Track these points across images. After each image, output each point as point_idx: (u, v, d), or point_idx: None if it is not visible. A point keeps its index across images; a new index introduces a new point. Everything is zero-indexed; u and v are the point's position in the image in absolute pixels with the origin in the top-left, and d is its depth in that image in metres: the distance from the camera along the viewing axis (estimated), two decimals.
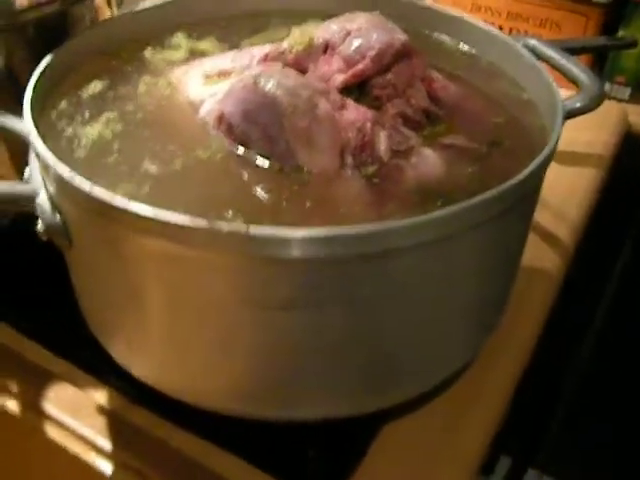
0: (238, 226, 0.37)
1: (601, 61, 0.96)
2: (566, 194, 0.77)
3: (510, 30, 0.96)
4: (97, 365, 0.57)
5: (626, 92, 0.95)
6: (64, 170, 0.42)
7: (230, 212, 0.44)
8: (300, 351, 0.43)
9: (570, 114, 0.54)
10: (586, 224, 0.76)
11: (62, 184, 0.43)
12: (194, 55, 0.63)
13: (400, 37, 0.53)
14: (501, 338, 0.57)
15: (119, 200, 0.40)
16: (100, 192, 0.40)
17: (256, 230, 0.37)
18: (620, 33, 0.91)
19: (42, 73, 0.53)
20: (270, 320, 0.42)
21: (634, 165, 0.96)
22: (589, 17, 0.91)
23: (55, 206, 0.46)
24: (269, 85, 0.47)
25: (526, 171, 0.43)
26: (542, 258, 0.69)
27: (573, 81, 0.59)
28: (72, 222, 0.46)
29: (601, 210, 0.81)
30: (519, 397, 0.59)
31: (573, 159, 0.83)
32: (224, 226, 0.37)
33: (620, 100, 0.95)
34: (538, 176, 0.47)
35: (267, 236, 0.38)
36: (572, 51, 0.67)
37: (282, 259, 0.39)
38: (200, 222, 0.38)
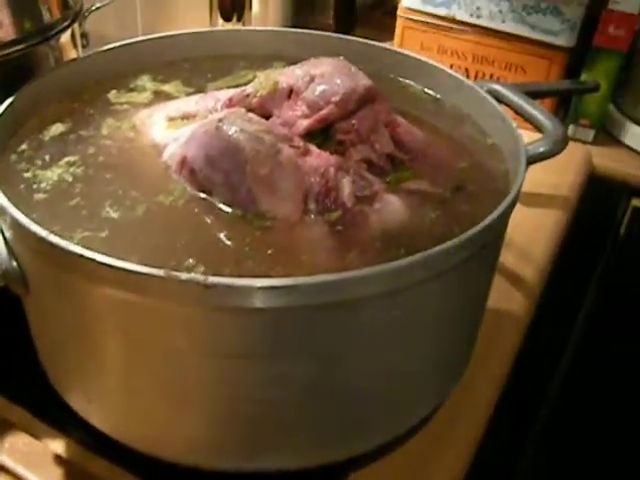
0: (195, 276, 0.37)
1: (565, 104, 0.98)
2: (532, 235, 0.77)
3: (476, 73, 0.98)
4: (54, 413, 0.55)
5: (590, 134, 0.96)
6: (20, 216, 0.41)
7: (191, 260, 0.43)
8: (258, 402, 0.42)
9: (534, 159, 0.55)
10: (552, 265, 0.77)
11: (18, 229, 0.42)
12: (159, 98, 0.62)
13: (364, 82, 0.53)
14: (469, 380, 0.57)
15: (75, 247, 0.39)
16: (56, 239, 0.40)
17: (214, 280, 0.37)
18: (583, 76, 0.93)
19: (2, 115, 0.52)
20: (228, 370, 0.41)
21: (598, 206, 0.97)
22: (552, 61, 0.93)
23: (11, 252, 0.45)
24: (231, 130, 0.47)
25: (490, 218, 0.43)
26: (508, 299, 0.69)
27: (537, 126, 0.60)
28: (29, 268, 0.45)
29: (566, 251, 0.81)
30: (488, 436, 0.59)
31: (538, 201, 0.83)
32: (182, 276, 0.36)
33: (584, 142, 0.96)
34: (502, 222, 0.47)
35: (226, 286, 0.37)
36: (537, 95, 0.68)
37: (241, 309, 0.38)
38: (156, 271, 0.37)
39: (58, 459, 0.54)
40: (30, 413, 0.57)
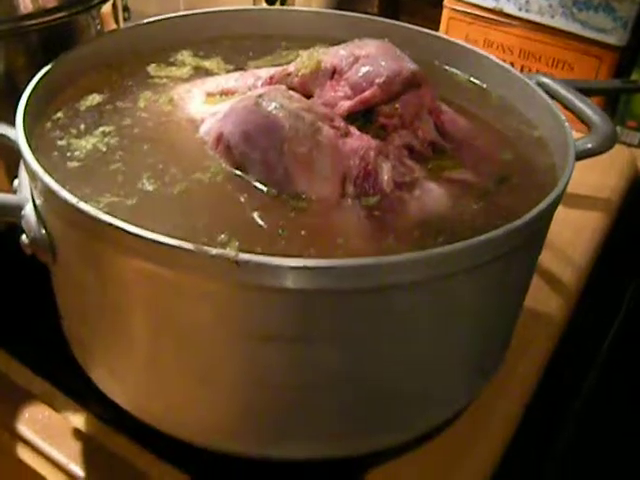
0: (226, 252, 0.35)
1: (613, 104, 0.95)
2: (572, 237, 0.75)
3: (522, 68, 0.95)
4: (76, 387, 0.55)
5: (636, 137, 0.94)
6: (51, 182, 0.40)
7: (223, 235, 0.42)
8: (285, 386, 0.41)
9: (580, 155, 0.53)
10: (591, 268, 0.74)
11: (48, 196, 0.41)
12: (198, 74, 0.61)
13: (410, 66, 0.51)
14: (501, 380, 0.55)
15: (105, 216, 0.38)
16: (86, 207, 0.39)
17: (246, 257, 0.35)
18: (633, 77, 0.90)
19: (39, 82, 0.51)
20: (255, 352, 0.40)
21: None
22: (602, 60, 0.90)
23: (41, 219, 0.44)
24: (271, 107, 0.45)
25: (535, 211, 0.41)
26: (545, 301, 0.67)
27: (585, 122, 0.57)
28: (57, 236, 0.44)
29: (605, 256, 0.79)
30: (518, 439, 0.57)
31: (580, 202, 0.81)
32: (211, 250, 0.35)
33: (629, 145, 0.93)
34: (547, 216, 0.45)
35: (256, 263, 0.36)
36: (585, 92, 0.65)
37: (271, 288, 0.37)
38: (186, 244, 0.36)
39: (77, 433, 0.53)
40: (52, 386, 0.56)
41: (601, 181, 0.84)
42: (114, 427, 0.53)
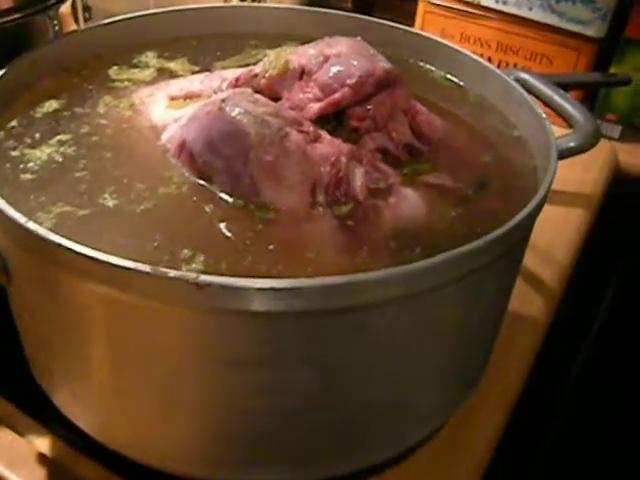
0: (185, 274, 0.33)
1: (591, 97, 0.93)
2: (553, 235, 0.73)
3: (499, 62, 0.93)
4: (41, 409, 0.52)
5: (617, 130, 0.92)
6: None
7: (186, 251, 0.39)
8: (252, 411, 0.39)
9: (562, 154, 0.51)
10: (573, 267, 0.73)
11: None
12: (162, 76, 0.59)
13: (383, 65, 0.49)
14: (485, 385, 0.53)
15: (55, 237, 0.35)
16: (35, 227, 0.36)
17: (207, 279, 0.33)
18: (612, 69, 0.88)
19: None
20: (222, 376, 0.37)
21: (622, 205, 0.93)
22: (581, 52, 0.88)
23: None
24: (235, 112, 0.43)
25: (517, 218, 0.39)
26: (527, 303, 0.65)
27: (566, 119, 0.56)
28: (9, 257, 0.41)
29: (587, 251, 0.77)
30: (504, 443, 0.55)
31: (560, 198, 0.79)
32: (170, 272, 0.32)
33: (610, 138, 0.92)
34: (529, 223, 0.43)
35: (220, 285, 0.33)
36: (564, 86, 0.63)
37: (237, 311, 0.34)
38: (143, 266, 0.33)
39: (42, 458, 0.51)
40: (15, 407, 0.54)
41: (582, 176, 0.82)
42: (81, 451, 0.51)
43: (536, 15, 0.89)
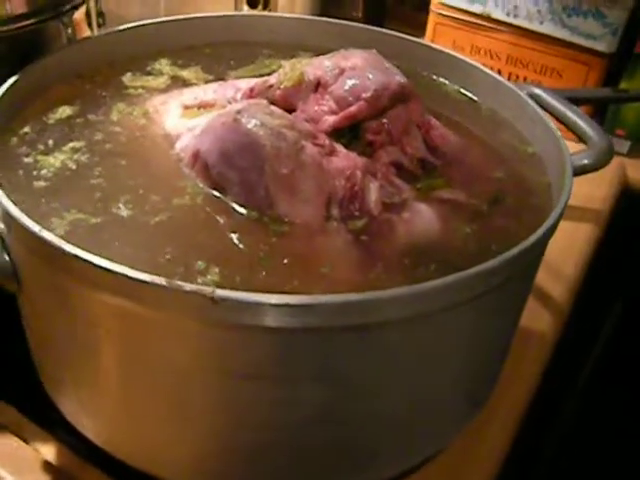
0: (202, 288, 0.32)
1: (600, 112, 0.93)
2: (563, 251, 0.73)
3: (509, 75, 0.93)
4: (47, 416, 0.52)
5: (625, 146, 0.92)
6: (11, 206, 0.37)
7: (200, 262, 0.39)
8: (263, 426, 0.38)
9: (576, 171, 0.50)
10: (582, 282, 0.72)
11: (10, 222, 0.38)
12: (176, 84, 0.58)
13: (398, 79, 0.49)
14: (494, 399, 0.52)
15: (69, 247, 0.35)
16: (49, 236, 0.36)
17: (223, 293, 0.32)
18: (622, 85, 0.88)
19: (4, 95, 0.49)
20: (234, 391, 0.37)
21: (631, 221, 0.92)
22: (591, 66, 0.88)
23: (4, 245, 0.41)
24: (251, 124, 0.42)
25: (533, 237, 0.39)
26: (536, 318, 0.65)
27: (580, 136, 0.55)
28: (21, 264, 0.41)
29: (595, 267, 0.77)
30: (512, 456, 0.55)
31: (569, 213, 0.78)
32: (186, 286, 0.32)
33: (619, 154, 0.91)
34: (544, 242, 0.43)
35: (236, 301, 0.33)
36: (575, 101, 0.63)
37: (251, 326, 0.34)
38: (158, 279, 0.33)
39: (48, 465, 0.51)
40: (21, 414, 0.53)
41: (591, 192, 0.82)
42: (87, 459, 0.50)
43: (547, 29, 0.89)
